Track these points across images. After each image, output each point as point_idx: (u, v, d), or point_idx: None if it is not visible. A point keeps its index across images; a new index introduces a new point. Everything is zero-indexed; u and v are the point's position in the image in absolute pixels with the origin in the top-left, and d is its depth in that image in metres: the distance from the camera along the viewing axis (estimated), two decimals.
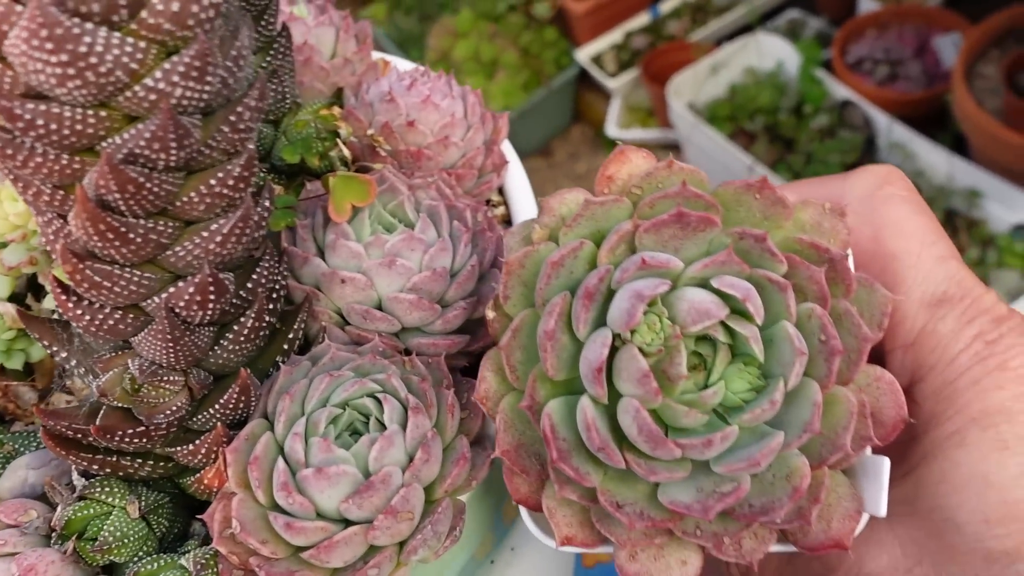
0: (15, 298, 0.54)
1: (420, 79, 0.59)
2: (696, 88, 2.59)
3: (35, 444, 0.50)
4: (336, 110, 0.56)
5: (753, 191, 0.43)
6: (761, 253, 0.42)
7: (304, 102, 0.59)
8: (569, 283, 0.44)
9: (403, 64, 0.67)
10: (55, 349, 0.46)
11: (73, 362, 0.46)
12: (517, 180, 0.61)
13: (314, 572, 0.43)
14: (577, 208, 0.44)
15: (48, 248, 0.43)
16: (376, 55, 0.68)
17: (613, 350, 0.41)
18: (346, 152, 0.53)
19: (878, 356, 0.47)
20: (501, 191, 0.63)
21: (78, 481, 0.47)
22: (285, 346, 0.49)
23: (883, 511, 0.42)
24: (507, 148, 0.62)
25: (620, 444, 0.42)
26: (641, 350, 0.40)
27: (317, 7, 0.66)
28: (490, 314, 0.46)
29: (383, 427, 0.45)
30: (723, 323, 0.41)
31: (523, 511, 0.48)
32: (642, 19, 2.79)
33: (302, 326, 0.49)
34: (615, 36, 2.76)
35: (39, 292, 0.56)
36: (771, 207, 0.44)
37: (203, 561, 0.44)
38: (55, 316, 0.48)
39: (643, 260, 0.41)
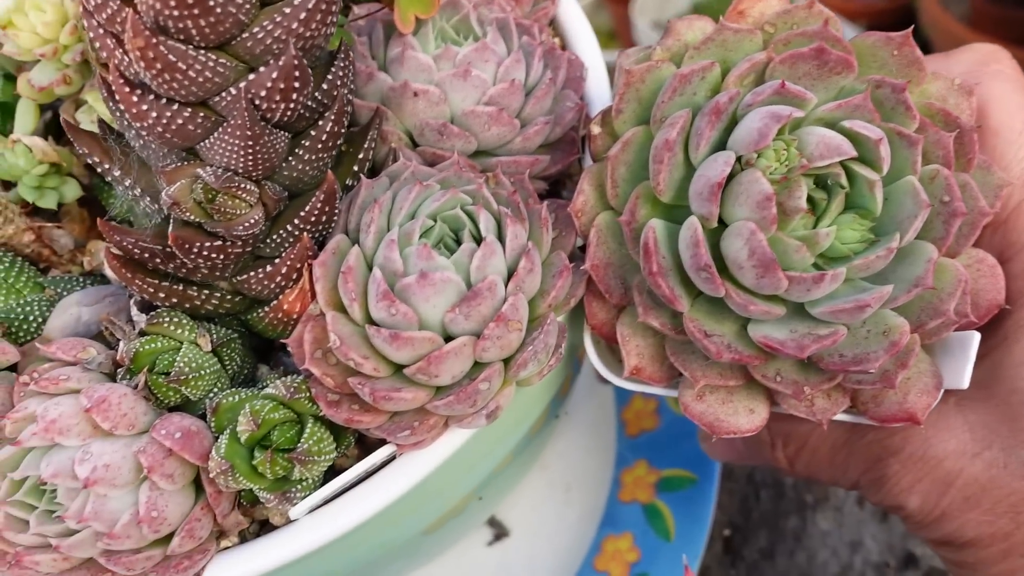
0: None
1: None
2: (660, 6, 2.54)
3: (78, 287, 0.46)
4: None
5: (893, 46, 0.41)
6: (895, 106, 0.40)
7: None
8: (690, 105, 0.41)
9: None
10: (106, 166, 0.41)
11: (128, 181, 0.41)
12: (572, 11, 0.57)
13: (418, 389, 0.40)
14: (705, 35, 0.42)
15: (96, 44, 0.38)
16: None
17: (729, 177, 0.38)
18: None
19: None
20: (552, 26, 0.58)
21: (138, 317, 0.43)
22: (355, 167, 0.45)
23: (966, 383, 0.41)
24: None
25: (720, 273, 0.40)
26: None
27: None
28: (596, 129, 0.44)
29: (476, 241, 0.41)
30: (846, 167, 0.39)
31: (589, 344, 0.46)
32: None
33: (372, 145, 0.45)
34: None
35: (62, 133, 0.50)
36: (907, 67, 0.42)
37: (294, 387, 0.40)
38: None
39: (783, 83, 0.39)
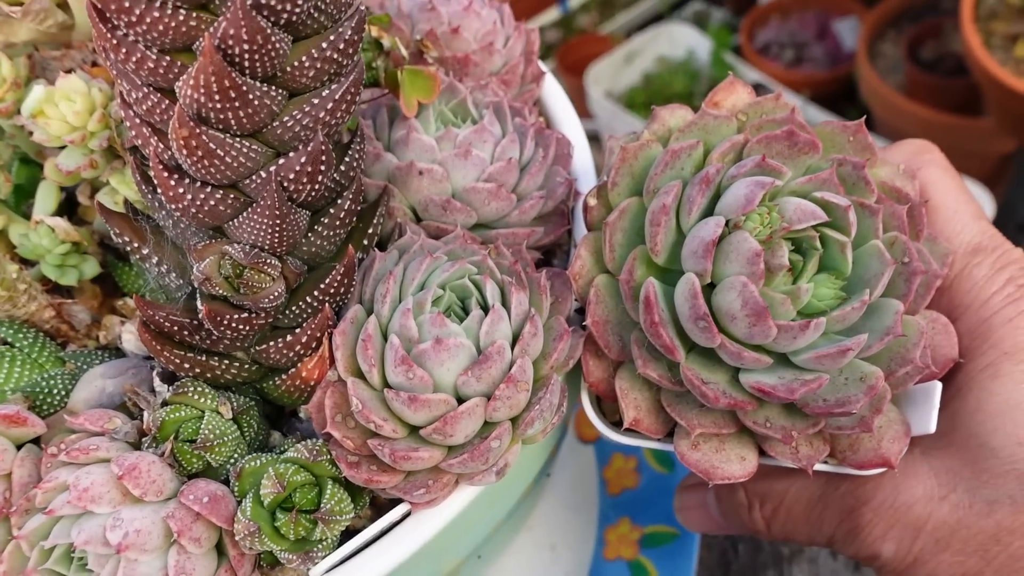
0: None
1: None
2: (612, 77, 2.65)
3: (98, 361, 0.48)
4: (376, 24, 0.55)
5: (848, 132, 0.47)
6: (857, 181, 0.45)
7: None
8: (680, 177, 0.46)
9: None
10: (136, 245, 0.43)
11: (155, 259, 0.43)
12: (555, 93, 0.61)
13: (434, 449, 0.42)
14: (687, 121, 0.48)
15: (132, 131, 0.41)
16: None
17: (719, 239, 0.42)
18: (404, 52, 0.52)
19: None
20: (537, 106, 0.63)
21: (160, 388, 0.45)
22: (365, 242, 0.48)
23: (933, 427, 0.45)
24: (540, 63, 0.62)
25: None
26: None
27: None
28: (592, 201, 0.47)
29: (482, 308, 0.45)
30: (819, 232, 0.44)
31: (586, 402, 0.49)
32: (552, 14, 2.84)
33: (381, 221, 0.48)
34: None
35: (74, 213, 0.53)
36: (862, 151, 0.47)
37: (316, 450, 0.42)
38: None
39: (763, 157, 0.43)
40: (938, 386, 0.45)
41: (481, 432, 0.43)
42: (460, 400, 0.43)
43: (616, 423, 0.49)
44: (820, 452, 0.45)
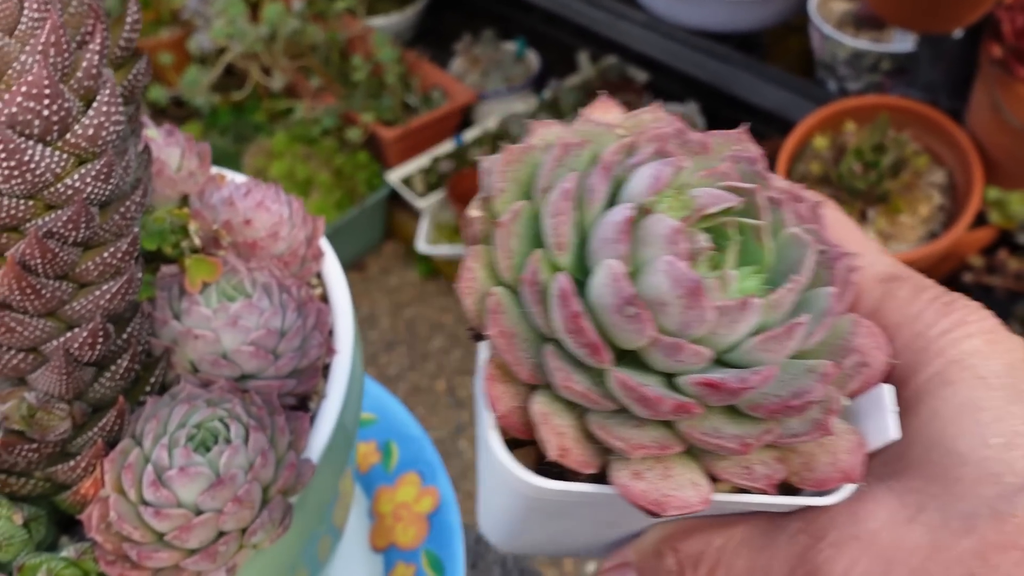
0: None
1: (255, 188, 0.75)
2: None
3: None
4: (186, 210, 0.72)
5: (732, 140, 0.44)
6: (755, 176, 0.41)
7: (156, 205, 0.74)
8: (574, 170, 0.42)
9: (238, 177, 0.83)
10: None
11: None
12: (332, 267, 0.78)
13: (174, 552, 0.56)
14: (570, 128, 0.44)
15: None
16: (214, 169, 0.84)
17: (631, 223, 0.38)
18: (197, 242, 0.69)
19: None
20: (319, 277, 0.79)
21: None
22: (147, 388, 0.62)
23: (894, 432, 0.40)
24: (323, 243, 0.79)
25: None
26: None
27: (166, 131, 0.81)
28: (475, 212, 0.43)
29: (228, 443, 0.59)
30: (734, 219, 0.40)
31: (495, 443, 0.41)
32: (447, 146, 3.08)
33: (162, 373, 0.63)
34: (423, 160, 3.02)
35: None
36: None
37: (83, 550, 0.56)
38: None
39: (664, 144, 0.40)
40: (887, 388, 0.41)
41: (214, 539, 0.57)
42: (198, 513, 0.57)
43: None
44: (776, 472, 0.40)
